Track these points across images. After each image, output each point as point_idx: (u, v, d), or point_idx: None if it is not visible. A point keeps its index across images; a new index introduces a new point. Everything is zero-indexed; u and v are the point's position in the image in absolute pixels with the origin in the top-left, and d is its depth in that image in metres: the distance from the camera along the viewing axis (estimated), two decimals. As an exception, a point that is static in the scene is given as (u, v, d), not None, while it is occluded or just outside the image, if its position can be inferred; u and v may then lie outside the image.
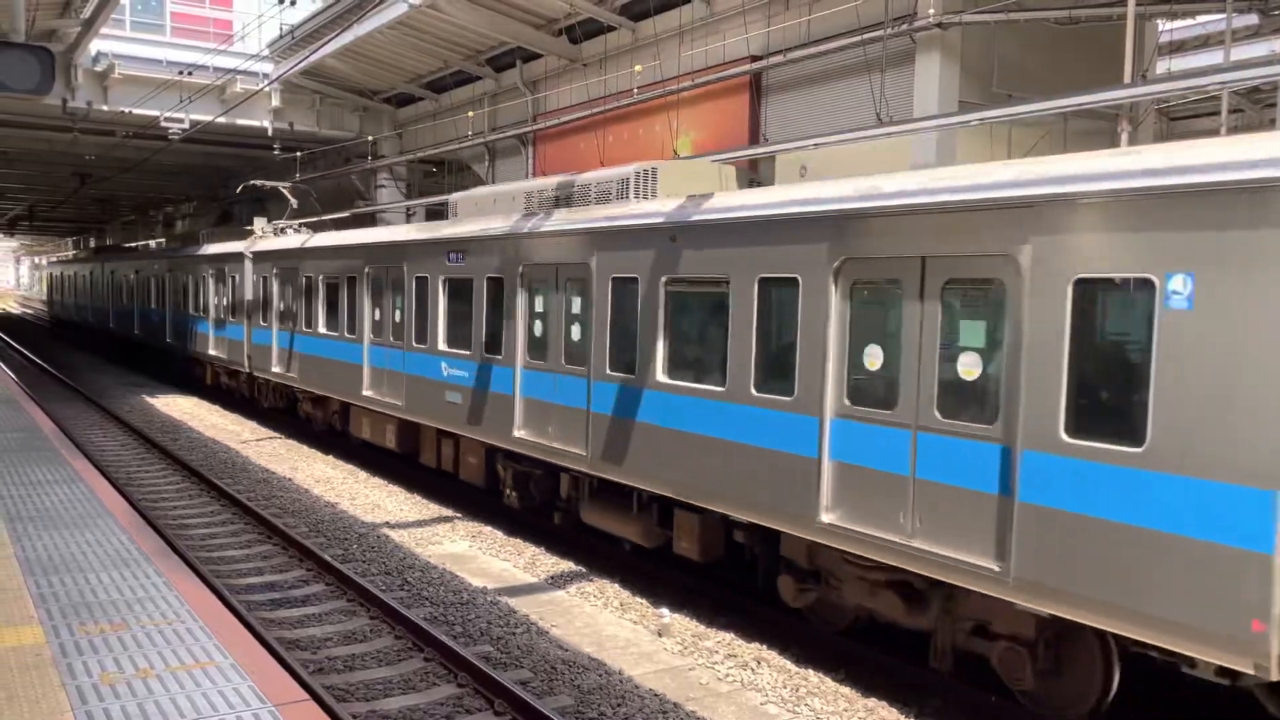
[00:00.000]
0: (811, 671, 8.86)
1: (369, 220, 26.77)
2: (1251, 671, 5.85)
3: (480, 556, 12.53)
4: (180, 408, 25.79)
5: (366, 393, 16.71)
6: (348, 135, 29.39)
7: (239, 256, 23.26)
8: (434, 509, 15.01)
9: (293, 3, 16.90)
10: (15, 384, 20.15)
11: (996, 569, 7.06)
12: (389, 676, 8.59)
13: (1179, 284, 6.14)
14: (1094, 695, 7.28)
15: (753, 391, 9.14)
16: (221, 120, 25.71)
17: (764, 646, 9.43)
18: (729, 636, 9.69)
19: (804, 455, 8.56)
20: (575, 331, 11.73)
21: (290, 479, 16.92)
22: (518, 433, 12.60)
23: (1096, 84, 11.42)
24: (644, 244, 10.50)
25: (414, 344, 15.20)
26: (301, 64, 24.47)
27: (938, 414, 7.55)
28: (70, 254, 70.77)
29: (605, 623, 10.13)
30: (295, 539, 12.29)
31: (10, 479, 10.43)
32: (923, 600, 8.29)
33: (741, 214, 9.35)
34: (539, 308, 12.38)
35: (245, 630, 6.29)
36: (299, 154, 30.33)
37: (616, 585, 11.25)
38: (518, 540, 13.17)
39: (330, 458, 19.14)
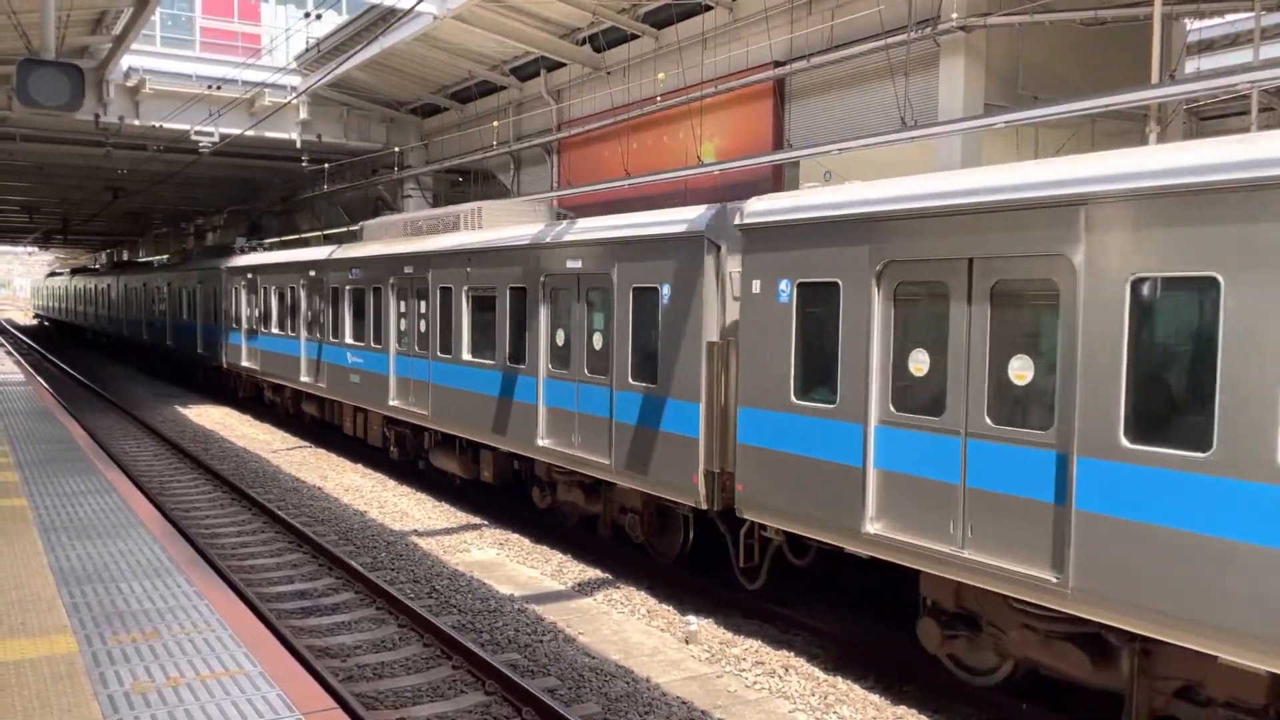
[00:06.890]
0: (840, 679, 8.82)
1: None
2: None
3: (507, 564, 12.57)
4: (211, 418, 26.06)
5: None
6: (375, 146, 29.62)
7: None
8: (461, 517, 15.06)
9: (319, 16, 17.05)
10: (50, 395, 20.42)
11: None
12: (417, 684, 8.63)
13: None
14: None
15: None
16: (250, 133, 25.99)
17: (792, 654, 9.39)
18: (756, 644, 9.66)
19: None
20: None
21: (320, 488, 17.05)
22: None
23: (1124, 84, 11.33)
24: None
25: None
26: (328, 76, 24.71)
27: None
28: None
29: (632, 630, 10.12)
30: (325, 547, 12.37)
31: (45, 490, 10.57)
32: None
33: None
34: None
35: (274, 639, 6.33)
36: (327, 165, 30.60)
37: (643, 593, 11.25)
38: (544, 547, 13.20)
39: (359, 466, 19.27)
